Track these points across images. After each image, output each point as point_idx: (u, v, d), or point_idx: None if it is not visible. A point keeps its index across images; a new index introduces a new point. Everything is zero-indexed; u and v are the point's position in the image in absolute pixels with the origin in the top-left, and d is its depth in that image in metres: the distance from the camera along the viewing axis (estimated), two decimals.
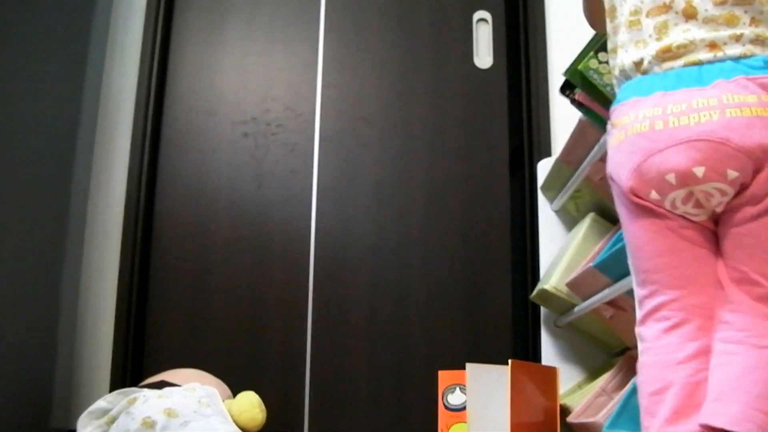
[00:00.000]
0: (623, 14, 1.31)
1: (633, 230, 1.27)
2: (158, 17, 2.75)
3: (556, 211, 2.40)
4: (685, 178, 1.15)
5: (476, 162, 2.69)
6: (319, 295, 2.56)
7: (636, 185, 1.21)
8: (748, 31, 1.19)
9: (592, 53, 1.72)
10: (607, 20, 1.37)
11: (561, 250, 2.27)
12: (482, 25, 2.80)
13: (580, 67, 1.73)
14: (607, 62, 1.66)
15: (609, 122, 1.32)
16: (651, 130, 1.18)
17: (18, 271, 2.17)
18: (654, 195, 1.20)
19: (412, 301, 2.57)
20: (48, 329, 2.35)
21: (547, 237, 2.39)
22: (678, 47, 1.21)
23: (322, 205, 2.63)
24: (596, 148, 1.86)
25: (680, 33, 1.22)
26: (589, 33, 1.75)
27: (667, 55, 1.22)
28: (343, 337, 2.54)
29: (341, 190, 2.65)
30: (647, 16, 1.26)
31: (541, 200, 2.44)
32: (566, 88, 1.86)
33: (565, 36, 2.69)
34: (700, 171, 1.14)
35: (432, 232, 2.62)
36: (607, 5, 1.37)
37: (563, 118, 2.57)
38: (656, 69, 1.23)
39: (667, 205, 1.20)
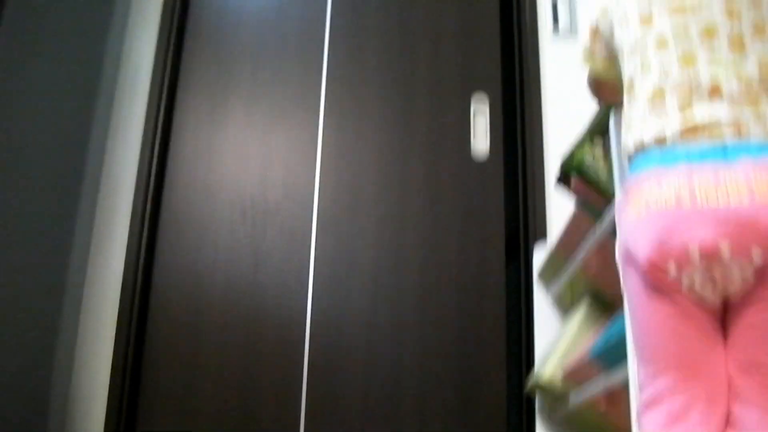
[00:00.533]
0: (644, 88, 1.29)
1: (643, 311, 1.23)
2: (161, 98, 2.80)
3: (552, 299, 2.40)
4: (710, 255, 1.12)
5: (472, 249, 2.69)
6: (314, 381, 2.53)
7: (656, 257, 1.16)
8: None
9: (588, 143, 1.74)
10: (624, 94, 1.36)
11: (556, 339, 2.26)
12: (480, 111, 2.83)
13: (576, 156, 1.75)
14: (603, 151, 1.68)
15: (623, 195, 1.29)
16: (677, 207, 1.15)
17: (11, 351, 2.15)
18: (673, 271, 1.16)
19: (406, 388, 2.54)
20: (41, 401, 2.32)
21: (542, 326, 2.38)
22: (702, 123, 1.20)
23: (318, 290, 2.63)
24: (591, 236, 1.86)
25: (705, 110, 1.21)
26: (584, 117, 1.78)
27: (690, 129, 1.20)
28: (337, 423, 2.50)
29: (337, 275, 2.64)
30: (672, 91, 1.25)
31: (537, 288, 2.44)
32: (563, 179, 1.87)
33: (561, 120, 2.73)
34: (726, 248, 1.11)
35: (427, 319, 2.61)
36: (626, 79, 1.36)
37: (559, 204, 2.59)
38: (678, 143, 1.21)
39: (684, 284, 1.16)
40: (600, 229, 1.76)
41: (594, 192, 1.76)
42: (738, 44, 1.24)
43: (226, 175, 2.75)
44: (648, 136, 1.25)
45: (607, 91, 1.56)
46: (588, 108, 1.82)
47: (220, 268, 2.65)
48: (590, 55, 1.52)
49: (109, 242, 2.67)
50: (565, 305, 2.35)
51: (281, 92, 2.85)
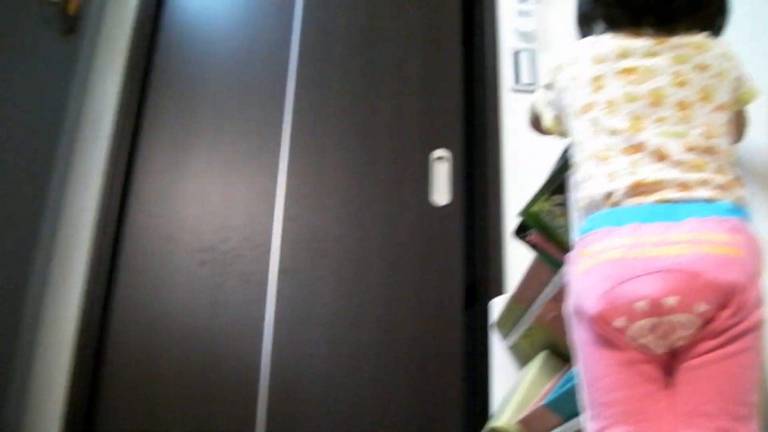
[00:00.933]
0: (594, 150, 1.33)
1: (591, 361, 1.25)
2: (123, 142, 2.80)
3: (509, 349, 2.42)
4: (656, 307, 1.15)
5: (431, 297, 2.71)
6: (271, 427, 2.51)
7: (604, 310, 1.19)
8: (716, 177, 1.24)
9: (546, 195, 1.78)
10: (575, 152, 1.40)
11: (513, 387, 2.27)
12: (440, 162, 2.88)
13: (534, 208, 1.78)
14: (560, 204, 1.72)
15: (574, 251, 1.32)
16: (625, 258, 1.18)
17: None
18: (620, 322, 1.18)
19: None
20: None
21: (499, 374, 2.40)
22: (650, 183, 1.24)
23: (276, 337, 2.62)
24: (549, 287, 1.89)
25: (652, 172, 1.25)
26: (543, 173, 1.82)
27: (638, 190, 1.24)
28: None
29: (296, 322, 2.64)
30: (621, 153, 1.29)
31: (494, 337, 2.46)
32: (520, 231, 1.90)
33: (520, 175, 2.78)
34: (671, 300, 1.14)
35: (385, 365, 2.61)
36: (575, 139, 1.40)
37: (517, 256, 2.62)
38: (627, 203, 1.25)
39: (631, 334, 1.18)
40: (558, 280, 1.79)
41: (552, 244, 1.79)
42: (685, 111, 1.29)
43: (186, 221, 2.75)
44: (597, 195, 1.28)
45: (544, 132, 1.61)
46: (547, 160, 1.86)
47: (178, 314, 2.63)
48: (547, 104, 1.55)
49: (66, 286, 2.64)
50: (522, 355, 2.37)
51: (243, 139, 2.87)
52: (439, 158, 2.88)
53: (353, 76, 2.99)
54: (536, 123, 1.62)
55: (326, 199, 2.81)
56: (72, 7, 2.69)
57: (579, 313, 1.26)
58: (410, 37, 3.09)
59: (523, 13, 3.04)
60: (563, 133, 1.51)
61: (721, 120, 1.30)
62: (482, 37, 3.06)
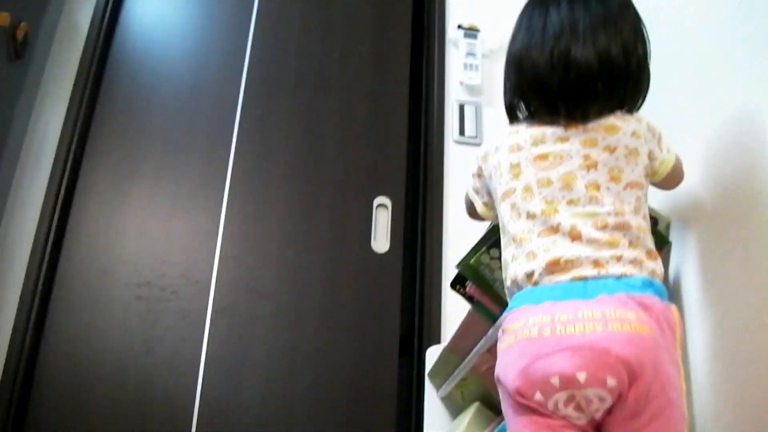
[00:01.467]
0: (514, 232, 1.42)
1: (516, 426, 1.30)
2: (65, 172, 2.77)
3: (442, 399, 2.43)
4: (568, 382, 1.21)
5: (367, 344, 2.71)
6: None
7: (522, 386, 1.25)
8: (627, 252, 1.31)
9: (484, 248, 1.80)
10: (501, 234, 1.49)
11: None
12: (382, 210, 2.90)
13: (472, 261, 1.80)
14: (498, 258, 1.75)
15: (501, 328, 1.38)
16: (539, 336, 1.25)
17: None
18: (538, 396, 1.24)
19: None
20: None
21: (432, 424, 2.40)
22: (565, 261, 1.32)
23: (209, 375, 2.59)
24: (484, 339, 1.91)
25: (567, 250, 1.33)
26: (483, 225, 1.85)
27: (555, 267, 1.32)
28: None
29: (230, 362, 2.62)
30: (538, 235, 1.37)
31: (428, 386, 2.47)
32: (457, 283, 1.93)
33: (460, 227, 2.81)
34: (582, 376, 1.20)
35: (318, 410, 2.60)
36: (501, 223, 1.48)
37: (455, 306, 2.64)
38: (545, 281, 1.32)
39: (550, 406, 1.24)
40: (493, 333, 1.82)
41: (488, 297, 1.82)
42: (594, 192, 1.37)
43: (124, 254, 2.72)
44: (520, 274, 1.37)
45: (482, 218, 1.69)
46: None
47: (111, 349, 2.59)
48: (476, 192, 1.63)
49: None
50: (455, 405, 2.38)
51: (187, 175, 2.86)
52: (381, 205, 2.91)
53: (300, 119, 3.01)
54: (471, 210, 1.70)
55: (267, 240, 2.81)
56: (20, 33, 2.67)
57: (502, 384, 1.32)
58: (358, 83, 3.13)
59: (469, 67, 3.10)
60: (492, 219, 1.61)
61: (632, 197, 1.38)
62: (429, 87, 3.12)
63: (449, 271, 2.70)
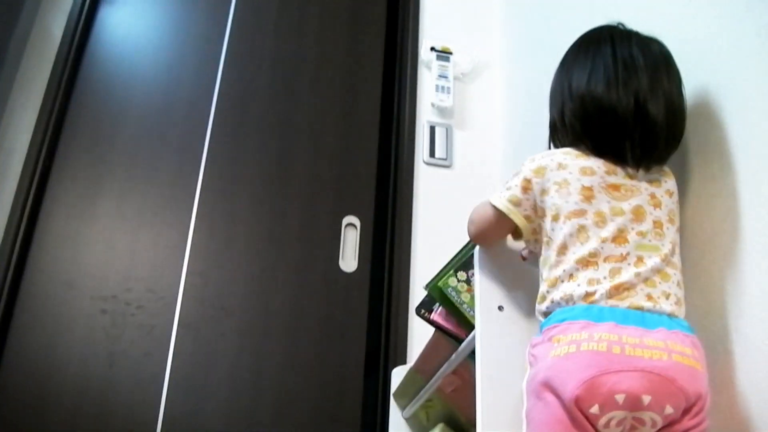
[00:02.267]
0: (579, 253, 1.43)
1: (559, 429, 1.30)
2: (32, 183, 2.74)
3: (407, 419, 2.43)
4: (633, 402, 1.25)
5: (332, 363, 2.71)
6: None
7: (584, 396, 1.26)
8: (675, 291, 1.39)
9: (452, 271, 1.82)
10: (553, 251, 1.47)
11: None
12: (350, 229, 2.91)
13: (440, 283, 1.81)
14: (466, 281, 1.76)
15: (544, 335, 1.40)
16: (608, 352, 1.27)
17: None
18: (595, 409, 1.26)
19: None
20: None
21: None
22: (625, 289, 1.36)
23: (173, 391, 2.57)
24: (448, 362, 1.92)
25: (628, 278, 1.37)
26: (452, 247, 1.86)
27: (615, 293, 1.36)
28: None
29: (194, 378, 2.61)
30: (605, 260, 1.41)
31: (393, 406, 2.47)
32: (422, 308, 1.94)
33: (429, 248, 2.82)
34: (647, 399, 1.24)
35: (282, 428, 2.59)
36: (557, 241, 1.47)
37: (421, 327, 2.64)
38: (603, 303, 1.36)
39: (602, 421, 1.27)
40: (459, 354, 1.83)
41: (454, 319, 1.83)
42: (659, 229, 1.44)
43: (90, 267, 2.70)
44: (578, 292, 1.39)
45: (498, 234, 1.67)
46: (457, 235, 1.91)
47: (73, 362, 2.56)
48: (516, 205, 1.57)
49: None
50: (419, 426, 2.38)
51: (156, 190, 2.85)
52: (350, 224, 2.92)
53: (270, 136, 3.01)
54: (493, 228, 1.65)
55: (235, 256, 2.80)
56: None
57: (552, 391, 1.32)
58: (330, 102, 3.14)
59: (441, 89, 3.12)
60: (530, 233, 1.57)
61: (678, 239, 1.47)
62: (400, 108, 3.14)
63: (416, 292, 2.70)
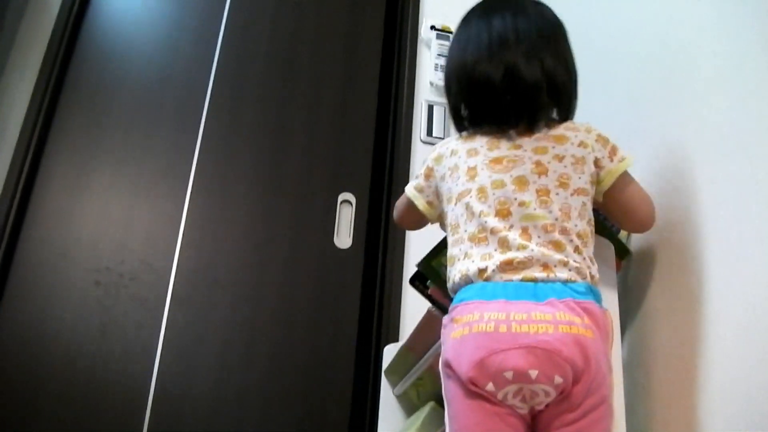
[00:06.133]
0: (470, 230, 1.49)
1: (467, 410, 1.37)
2: (27, 153, 2.73)
3: (398, 396, 2.43)
4: (521, 377, 1.31)
5: (324, 339, 2.72)
6: None
7: (476, 376, 1.33)
8: (572, 258, 1.41)
9: (445, 250, 1.81)
10: (450, 233, 1.56)
11: None
12: (345, 206, 2.91)
13: (433, 262, 1.81)
14: None
15: (450, 316, 1.45)
16: (495, 332, 1.33)
17: None
18: (490, 386, 1.33)
19: None
20: None
21: (386, 421, 2.41)
22: (518, 262, 1.40)
23: (164, 362, 2.58)
24: (442, 338, 1.92)
25: (519, 251, 1.41)
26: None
27: (508, 267, 1.40)
28: None
29: (186, 350, 2.61)
30: (491, 233, 1.45)
31: (384, 383, 2.47)
32: (416, 280, 1.94)
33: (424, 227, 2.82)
34: (534, 373, 1.30)
35: (272, 402, 2.60)
36: (451, 222, 1.55)
37: (414, 304, 2.65)
38: (497, 278, 1.40)
39: (500, 396, 1.33)
40: None
41: (448, 297, 1.83)
42: (545, 197, 1.46)
43: (84, 239, 2.70)
44: (472, 269, 1.44)
45: (411, 218, 1.77)
46: None
47: (66, 333, 2.56)
48: (419, 191, 1.69)
49: None
50: (410, 404, 2.39)
51: (151, 161, 2.84)
52: (345, 201, 2.91)
53: (268, 111, 3.00)
54: (405, 213, 1.78)
55: (230, 230, 2.80)
56: None
57: (453, 372, 1.40)
58: (328, 79, 3.13)
59: (440, 68, 3.11)
60: (434, 218, 1.69)
61: (578, 203, 1.48)
62: (399, 87, 3.13)
63: (410, 270, 2.69)
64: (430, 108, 3.07)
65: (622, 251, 1.71)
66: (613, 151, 1.55)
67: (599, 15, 2.16)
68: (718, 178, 1.49)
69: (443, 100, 3.04)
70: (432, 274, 1.84)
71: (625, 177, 1.56)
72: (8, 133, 2.77)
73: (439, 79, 3.09)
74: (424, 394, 2.28)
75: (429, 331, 2.04)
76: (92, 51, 2.99)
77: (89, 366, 2.54)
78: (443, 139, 2.96)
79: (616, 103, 1.96)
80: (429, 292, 1.91)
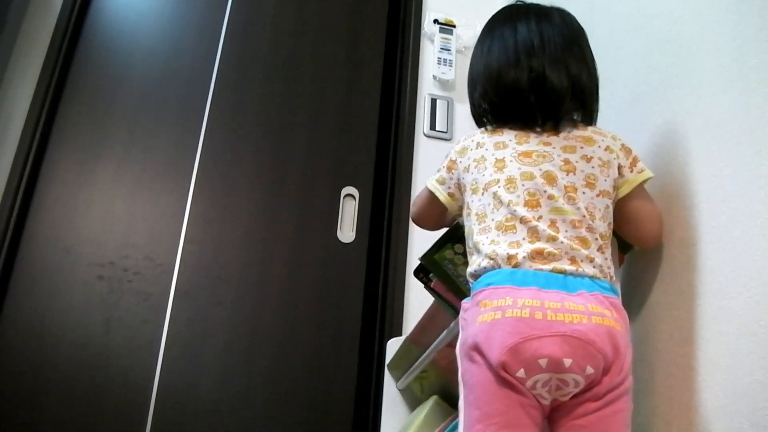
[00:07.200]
0: (497, 220, 1.49)
1: (488, 397, 1.35)
2: (30, 149, 2.74)
3: (401, 390, 2.44)
4: (554, 365, 1.30)
5: (327, 333, 2.72)
6: None
7: (508, 361, 1.32)
8: (597, 256, 1.43)
9: (449, 244, 1.81)
10: (474, 222, 1.54)
11: (402, 429, 2.30)
12: (349, 200, 2.91)
13: (436, 256, 1.81)
14: (462, 254, 1.76)
15: (472, 300, 1.45)
16: (531, 318, 1.32)
17: None
18: (521, 373, 1.31)
19: None
20: None
21: (389, 415, 2.42)
22: (548, 253, 1.41)
23: (168, 358, 2.59)
24: (445, 332, 1.93)
25: (548, 242, 1.42)
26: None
27: (538, 256, 1.41)
28: None
29: (190, 345, 2.62)
30: (521, 222, 1.45)
31: (387, 377, 2.48)
32: (421, 272, 1.94)
33: None
34: (567, 362, 1.30)
35: (276, 396, 2.61)
36: (477, 213, 1.54)
37: (417, 298, 2.66)
38: (527, 266, 1.41)
39: (529, 384, 1.32)
40: (454, 327, 1.83)
41: (451, 292, 1.83)
42: (572, 193, 1.48)
43: (87, 234, 2.70)
44: (501, 254, 1.44)
45: (431, 213, 1.78)
46: None
47: (70, 328, 2.57)
48: (441, 183, 1.69)
49: None
50: (413, 397, 2.39)
51: (155, 157, 2.84)
52: (348, 195, 2.92)
53: (271, 105, 3.00)
54: (425, 208, 1.77)
55: (233, 225, 2.80)
56: None
57: (480, 356, 1.37)
58: (331, 73, 3.13)
59: (443, 62, 3.12)
60: (455, 210, 1.68)
61: (602, 204, 1.50)
62: (402, 80, 3.13)
63: (414, 264, 2.66)
64: (434, 102, 3.07)
65: (624, 246, 1.71)
66: (634, 162, 1.57)
67: (602, 10, 2.15)
68: (722, 174, 1.49)
69: (446, 94, 3.09)
70: (435, 268, 1.84)
71: (640, 189, 1.58)
72: (11, 131, 2.77)
73: (442, 73, 3.10)
74: (428, 388, 2.29)
75: (433, 325, 2.04)
76: (94, 49, 2.99)
77: (93, 360, 2.54)
78: (446, 133, 2.99)
79: (619, 99, 1.96)
80: (432, 285, 1.91)
